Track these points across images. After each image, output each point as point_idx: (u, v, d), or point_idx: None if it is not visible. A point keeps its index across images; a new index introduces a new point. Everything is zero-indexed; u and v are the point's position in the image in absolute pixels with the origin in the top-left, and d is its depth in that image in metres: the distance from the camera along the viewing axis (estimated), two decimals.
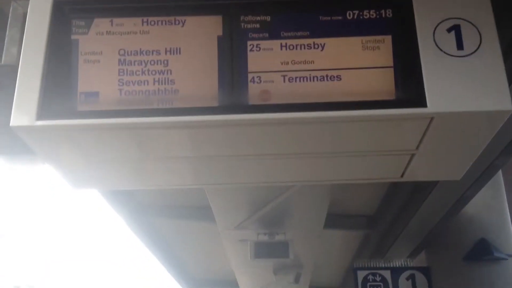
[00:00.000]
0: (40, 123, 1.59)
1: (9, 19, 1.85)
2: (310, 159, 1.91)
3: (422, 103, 1.60)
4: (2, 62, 1.79)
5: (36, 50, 1.63)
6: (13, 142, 1.69)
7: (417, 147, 1.80)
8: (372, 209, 5.60)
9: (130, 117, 1.61)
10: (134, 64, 1.68)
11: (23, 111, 1.59)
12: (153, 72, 1.67)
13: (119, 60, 1.68)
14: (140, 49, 1.69)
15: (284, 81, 1.66)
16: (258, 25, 1.71)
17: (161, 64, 1.68)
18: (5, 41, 1.81)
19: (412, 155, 1.86)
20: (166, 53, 1.69)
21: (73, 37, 1.69)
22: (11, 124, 1.58)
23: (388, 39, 1.69)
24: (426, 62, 1.63)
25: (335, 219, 5.51)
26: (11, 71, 1.70)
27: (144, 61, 1.68)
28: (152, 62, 1.68)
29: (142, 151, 1.78)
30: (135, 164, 1.89)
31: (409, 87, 1.63)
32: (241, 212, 4.24)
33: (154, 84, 1.66)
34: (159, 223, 6.27)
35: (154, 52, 1.69)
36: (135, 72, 1.67)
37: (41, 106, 1.60)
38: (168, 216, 5.82)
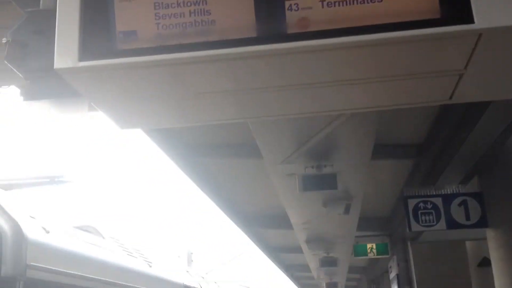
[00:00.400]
0: (82, 63, 1.62)
1: None
2: (356, 86, 1.87)
3: (468, 19, 1.53)
4: (41, 7, 1.80)
5: None
6: (58, 85, 1.73)
7: (465, 67, 1.73)
8: (420, 137, 5.52)
9: (169, 53, 1.61)
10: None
11: (66, 53, 1.61)
12: (189, 4, 1.65)
13: None
14: None
15: (322, 6, 1.61)
16: None
17: None
18: None
19: (461, 75, 1.80)
20: None
21: None
22: (55, 66, 1.61)
23: None
24: None
25: (384, 149, 5.48)
26: (50, 15, 1.72)
27: None
28: None
29: (183, 87, 1.78)
30: (177, 100, 1.90)
31: (454, 4, 1.55)
32: (287, 146, 4.25)
33: (190, 16, 1.64)
34: (208, 162, 6.39)
35: None
36: (171, 5, 1.65)
37: (82, 47, 1.62)
38: (216, 155, 5.92)
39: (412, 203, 5.71)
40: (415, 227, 5.66)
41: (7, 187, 5.56)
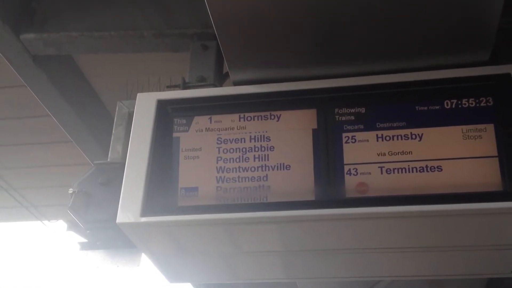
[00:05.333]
0: (144, 219, 1.64)
1: (115, 118, 1.97)
2: (409, 253, 1.81)
3: None
4: (109, 159, 1.88)
5: (141, 149, 1.71)
6: (116, 237, 1.75)
7: None
8: None
9: (228, 213, 1.62)
10: (232, 162, 1.71)
11: (129, 209, 1.64)
12: (249, 169, 1.69)
13: (217, 154, 1.72)
14: (238, 147, 1.73)
15: (381, 172, 1.62)
16: (353, 117, 1.71)
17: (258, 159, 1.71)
18: (111, 140, 1.92)
19: None
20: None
21: (175, 134, 1.77)
22: (117, 221, 1.64)
23: (490, 127, 1.62)
24: None
25: None
26: (117, 168, 1.79)
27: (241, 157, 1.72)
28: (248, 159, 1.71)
29: (236, 245, 1.77)
30: (229, 257, 1.88)
31: None
32: None
33: (250, 180, 1.68)
34: None
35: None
36: (232, 169, 1.70)
37: (145, 203, 1.65)
38: None
39: None
40: None
41: None
